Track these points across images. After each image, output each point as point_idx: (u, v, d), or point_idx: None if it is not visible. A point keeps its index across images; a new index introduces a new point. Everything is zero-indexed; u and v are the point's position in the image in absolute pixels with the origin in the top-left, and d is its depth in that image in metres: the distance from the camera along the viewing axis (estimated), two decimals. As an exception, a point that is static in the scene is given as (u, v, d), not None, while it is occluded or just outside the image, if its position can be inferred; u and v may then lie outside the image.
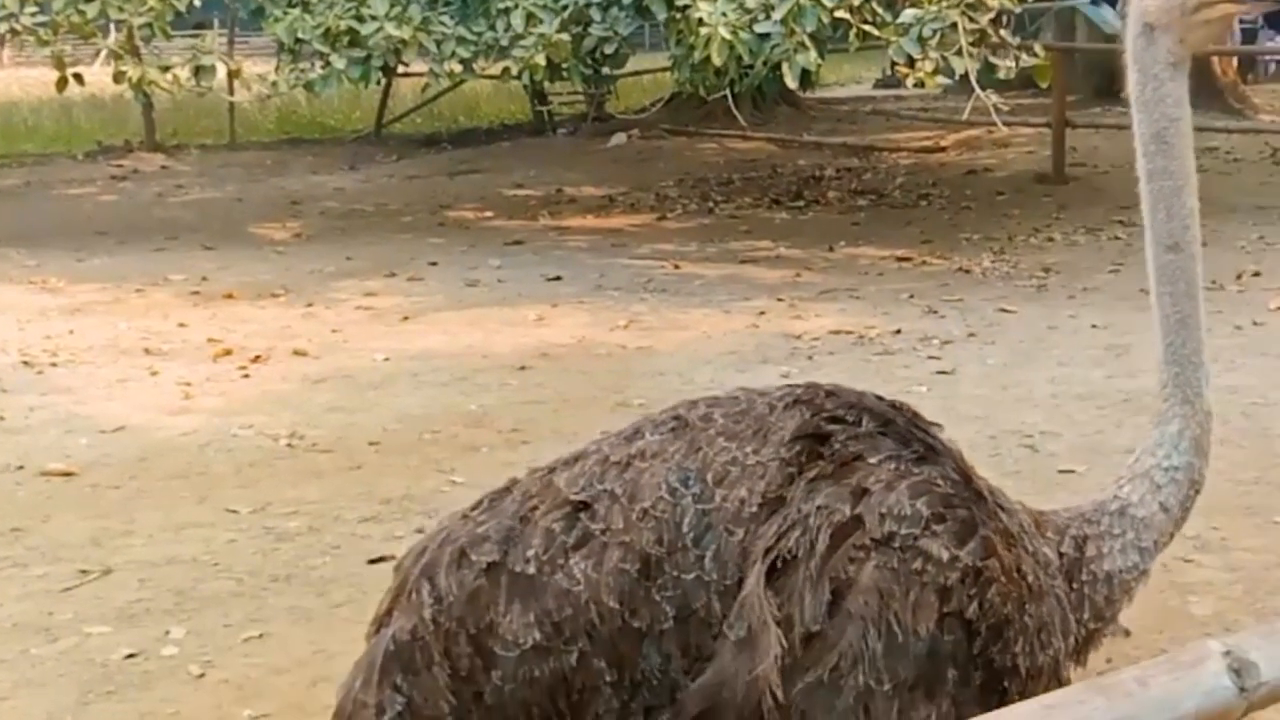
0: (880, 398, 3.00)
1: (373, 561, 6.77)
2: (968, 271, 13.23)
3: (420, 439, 8.58)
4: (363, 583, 6.53)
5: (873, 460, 2.79)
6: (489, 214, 17.25)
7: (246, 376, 10.10)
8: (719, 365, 10.05)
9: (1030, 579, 2.83)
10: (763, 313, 11.71)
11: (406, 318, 11.82)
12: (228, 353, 10.64)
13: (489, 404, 9.31)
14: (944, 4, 12.16)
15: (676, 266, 13.80)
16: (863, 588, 2.66)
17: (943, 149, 21.42)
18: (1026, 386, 9.33)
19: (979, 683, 2.75)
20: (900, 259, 13.87)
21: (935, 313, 11.45)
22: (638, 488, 2.79)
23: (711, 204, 17.56)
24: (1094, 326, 10.80)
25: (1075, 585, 3.00)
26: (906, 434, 2.88)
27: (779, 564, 2.68)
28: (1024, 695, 2.73)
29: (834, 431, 2.84)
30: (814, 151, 21.65)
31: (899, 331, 10.83)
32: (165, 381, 9.93)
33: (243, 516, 7.36)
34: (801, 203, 17.50)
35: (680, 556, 2.72)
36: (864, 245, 14.69)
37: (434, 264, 14.08)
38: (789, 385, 3.02)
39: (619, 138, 22.68)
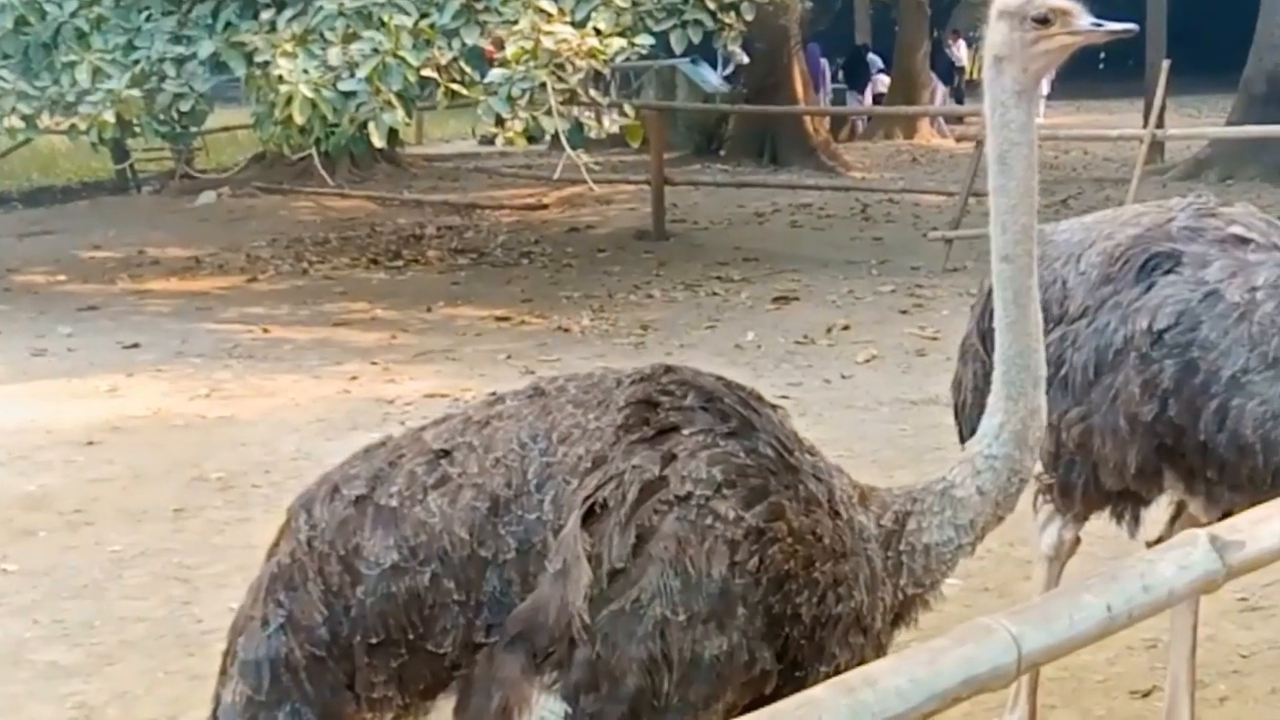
0: (720, 378, 3.40)
1: (-100, 670, 6.10)
2: (567, 330, 13.12)
3: (-32, 526, 7.86)
4: (-114, 696, 5.85)
5: (686, 431, 3.20)
6: (62, 278, 16.23)
7: None
8: (306, 434, 9.60)
9: (827, 540, 3.24)
10: (355, 377, 11.30)
11: (-40, 393, 10.87)
12: None
13: (50, 483, 8.67)
14: (532, 64, 12.02)
15: (266, 330, 13.22)
16: (663, 535, 3.08)
17: (545, 206, 21.44)
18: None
19: (763, 624, 3.14)
20: (500, 319, 13.66)
21: (533, 373, 11.19)
22: (493, 441, 3.22)
23: (306, 265, 17.00)
24: (689, 383, 10.80)
25: (892, 553, 3.40)
26: (727, 411, 3.27)
27: (596, 510, 3.08)
28: (812, 640, 3.21)
29: (661, 402, 3.25)
30: (415, 210, 21.37)
31: (495, 394, 10.52)
32: None
33: None
34: (400, 262, 17.15)
35: (525, 499, 3.14)
36: (463, 305, 14.44)
37: (-4, 333, 13.08)
38: (640, 367, 3.41)
39: (208, 196, 21.67)
